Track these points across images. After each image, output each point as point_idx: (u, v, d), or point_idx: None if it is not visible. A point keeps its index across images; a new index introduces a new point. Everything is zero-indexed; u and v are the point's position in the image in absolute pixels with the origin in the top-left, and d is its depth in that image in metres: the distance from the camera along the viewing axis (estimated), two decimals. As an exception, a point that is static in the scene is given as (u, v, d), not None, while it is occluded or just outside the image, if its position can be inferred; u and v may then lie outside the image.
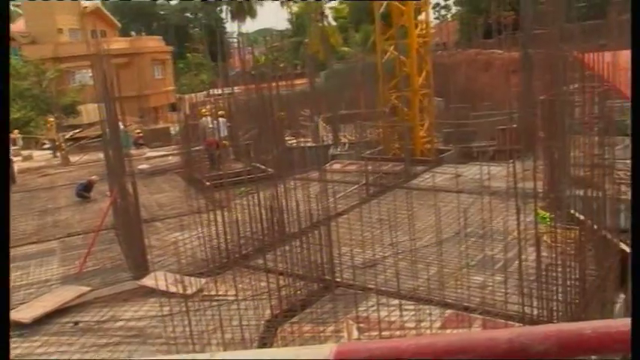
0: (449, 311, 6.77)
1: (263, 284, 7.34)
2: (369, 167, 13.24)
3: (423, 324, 6.31)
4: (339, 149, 18.28)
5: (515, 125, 13.43)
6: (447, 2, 48.10)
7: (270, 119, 10.24)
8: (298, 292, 7.55)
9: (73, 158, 21.64)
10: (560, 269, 6.35)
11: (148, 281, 8.05)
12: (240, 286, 7.38)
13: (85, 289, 8.16)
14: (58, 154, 22.27)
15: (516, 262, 6.83)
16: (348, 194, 12.53)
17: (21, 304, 7.76)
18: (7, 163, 1.89)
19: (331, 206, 8.50)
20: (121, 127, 10.90)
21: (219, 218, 9.05)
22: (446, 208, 10.09)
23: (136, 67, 41.88)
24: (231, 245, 9.19)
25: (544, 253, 6.73)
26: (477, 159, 13.44)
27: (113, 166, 10.27)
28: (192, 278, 7.89)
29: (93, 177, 14.76)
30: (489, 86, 22.20)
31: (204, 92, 22.97)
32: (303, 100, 21.24)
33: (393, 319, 6.53)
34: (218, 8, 63.15)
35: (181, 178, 15.72)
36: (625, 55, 11.06)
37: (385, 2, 15.76)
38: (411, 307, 6.74)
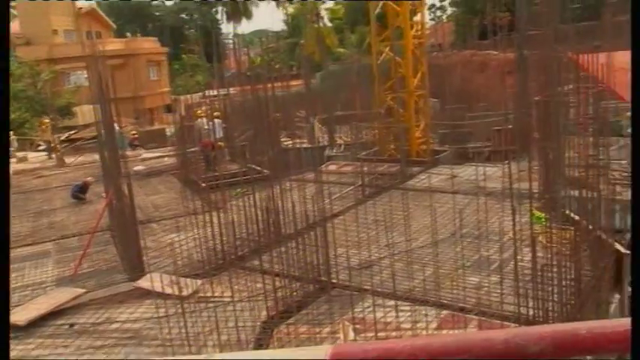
0: (445, 312, 6.78)
1: (259, 285, 7.33)
2: (365, 168, 13.24)
3: (419, 325, 6.31)
4: (334, 150, 18.27)
5: (510, 126, 13.47)
6: (443, 3, 48.22)
7: (266, 120, 10.24)
8: (294, 293, 7.55)
9: (69, 160, 21.57)
10: (555, 270, 6.37)
11: (143, 283, 8.02)
12: (236, 287, 7.36)
13: (81, 290, 8.13)
14: (53, 155, 22.19)
15: (512, 262, 6.84)
16: (343, 195, 12.53)
17: (16, 306, 7.73)
18: (7, 163, 1.89)
19: (327, 207, 8.50)
20: (117, 128, 10.87)
21: (214, 219, 9.04)
22: (441, 208, 10.10)
23: (131, 69, 41.79)
24: (227, 246, 9.18)
25: (539, 254, 6.74)
26: (472, 160, 13.48)
27: (109, 168, 10.25)
28: (188, 280, 7.89)
29: (88, 178, 14.72)
30: (485, 87, 22.23)
31: (200, 93, 22.97)
32: (299, 101, 21.23)
33: (389, 320, 6.53)
34: (213, 9, 63.16)
35: (177, 179, 15.69)
36: (619, 56, 11.13)
37: (381, 3, 15.78)
38: (407, 308, 6.74)
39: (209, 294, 7.52)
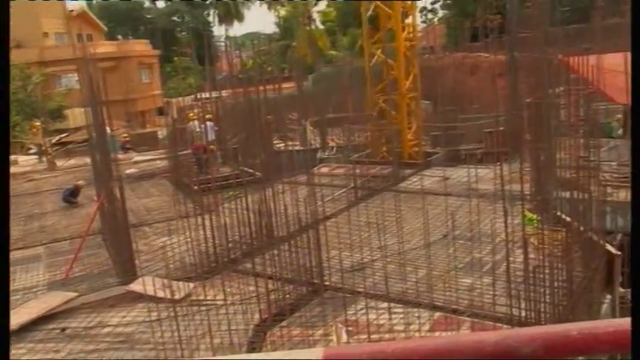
0: (438, 314, 6.79)
1: (252, 288, 7.32)
2: (357, 170, 13.26)
3: (411, 327, 6.32)
4: (327, 153, 18.28)
5: (502, 128, 13.52)
6: (434, 6, 48.38)
7: (258, 123, 10.23)
8: (287, 296, 7.54)
9: (60, 163, 21.47)
10: (547, 271, 6.40)
11: (135, 286, 7.99)
12: (228, 290, 7.34)
13: (72, 294, 8.09)
14: (44, 158, 22.09)
15: (504, 264, 6.87)
16: (336, 197, 12.54)
17: (7, 310, 7.67)
18: (7, 163, 1.87)
19: (319, 210, 8.50)
20: (108, 131, 10.83)
21: (207, 222, 9.02)
22: (434, 210, 10.13)
23: (122, 71, 41.66)
24: (220, 249, 9.16)
25: (531, 255, 6.77)
26: (464, 162, 13.51)
27: (100, 171, 10.21)
28: (181, 283, 7.86)
29: (80, 182, 14.65)
30: (476, 89, 22.32)
31: (192, 96, 22.91)
32: (291, 103, 21.21)
33: (381, 322, 6.54)
34: (205, 12, 63.07)
35: (169, 182, 15.65)
36: (609, 59, 11.19)
37: (372, 6, 15.81)
38: (400, 310, 6.75)
39: (201, 297, 7.50)
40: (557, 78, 8.67)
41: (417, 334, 6.25)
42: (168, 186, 15.37)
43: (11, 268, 9.62)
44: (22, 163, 22.83)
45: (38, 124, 25.41)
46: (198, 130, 15.78)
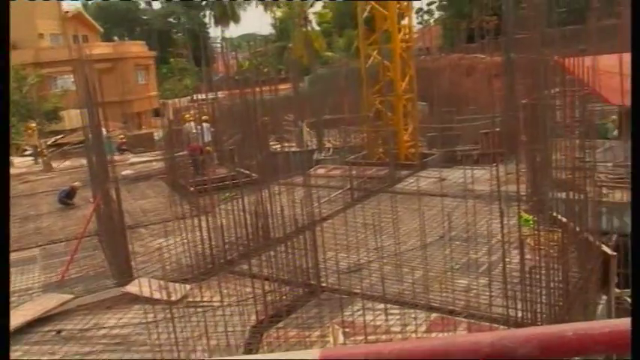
0: (434, 315, 6.80)
1: (248, 290, 7.31)
2: (354, 172, 13.26)
3: (408, 328, 6.33)
4: (323, 154, 18.29)
5: (498, 129, 13.55)
6: (430, 7, 48.37)
7: (254, 124, 10.23)
8: (284, 297, 7.54)
9: (55, 164, 21.41)
10: (543, 272, 6.41)
11: (132, 288, 7.98)
12: (225, 291, 7.35)
13: (68, 296, 8.07)
14: (40, 160, 22.03)
15: (500, 264, 6.88)
16: (332, 199, 12.53)
17: (2, 312, 7.64)
18: (7, 163, 1.87)
19: (316, 211, 8.50)
20: (104, 132, 10.81)
21: (203, 224, 9.01)
22: (430, 212, 10.14)
23: (118, 73, 41.54)
24: (216, 251, 9.15)
25: (528, 256, 6.79)
26: (460, 163, 13.53)
27: (96, 172, 10.19)
28: (177, 284, 7.85)
29: (75, 183, 14.62)
30: (472, 90, 22.37)
31: (188, 97, 22.91)
32: (287, 105, 21.22)
33: (378, 323, 6.54)
34: (201, 13, 63.03)
35: (165, 183, 15.63)
36: (604, 60, 11.22)
37: (368, 7, 15.83)
38: (397, 311, 6.75)
39: (198, 299, 7.49)
40: (552, 79, 8.70)
41: (413, 335, 6.26)
42: (164, 187, 15.35)
43: (7, 270, 9.59)
44: (17, 164, 22.75)
45: (34, 125, 25.35)
46: (194, 131, 15.77)
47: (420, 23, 46.64)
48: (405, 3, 16.21)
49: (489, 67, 19.55)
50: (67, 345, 6.83)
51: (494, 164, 7.99)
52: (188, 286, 8.05)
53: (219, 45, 50.90)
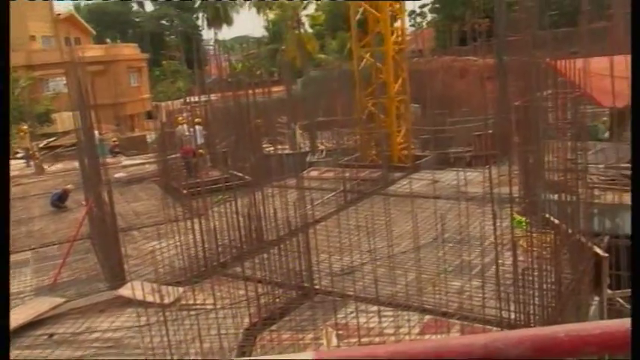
0: (427, 317, 6.81)
1: (241, 292, 7.31)
2: (347, 174, 13.27)
3: (401, 330, 6.33)
4: (316, 156, 18.30)
5: (490, 131, 13.59)
6: (423, 10, 48.56)
7: (247, 126, 10.23)
8: (277, 299, 7.53)
9: (48, 167, 21.32)
10: (536, 273, 6.44)
11: (124, 291, 7.94)
12: (218, 294, 7.32)
13: (60, 300, 8.02)
14: (32, 163, 21.92)
15: (493, 266, 6.90)
16: (325, 201, 12.54)
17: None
18: (7, 163, 1.86)
19: (309, 213, 8.50)
20: (97, 135, 10.78)
21: (196, 226, 8.99)
22: (423, 214, 10.16)
23: (111, 75, 41.45)
24: (209, 253, 9.13)
25: (520, 258, 6.81)
26: (453, 165, 13.58)
27: (89, 175, 10.15)
28: (170, 287, 7.82)
29: (68, 186, 14.56)
30: (465, 93, 22.42)
31: (181, 100, 22.85)
32: (280, 107, 21.23)
33: (372, 325, 6.54)
34: (194, 15, 62.94)
35: (158, 186, 15.59)
36: (595, 62, 11.28)
37: (361, 9, 15.86)
38: (390, 313, 6.76)
39: (191, 301, 7.46)
40: (544, 81, 8.74)
41: (407, 337, 6.26)
42: (157, 190, 15.31)
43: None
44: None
45: (25, 128, 25.24)
46: (187, 133, 15.74)
47: (412, 26, 46.85)
48: (398, 5, 16.25)
49: (482, 69, 19.63)
50: (60, 349, 6.79)
51: (487, 166, 8.02)
52: (181, 289, 8.03)
53: (212, 47, 50.86)
